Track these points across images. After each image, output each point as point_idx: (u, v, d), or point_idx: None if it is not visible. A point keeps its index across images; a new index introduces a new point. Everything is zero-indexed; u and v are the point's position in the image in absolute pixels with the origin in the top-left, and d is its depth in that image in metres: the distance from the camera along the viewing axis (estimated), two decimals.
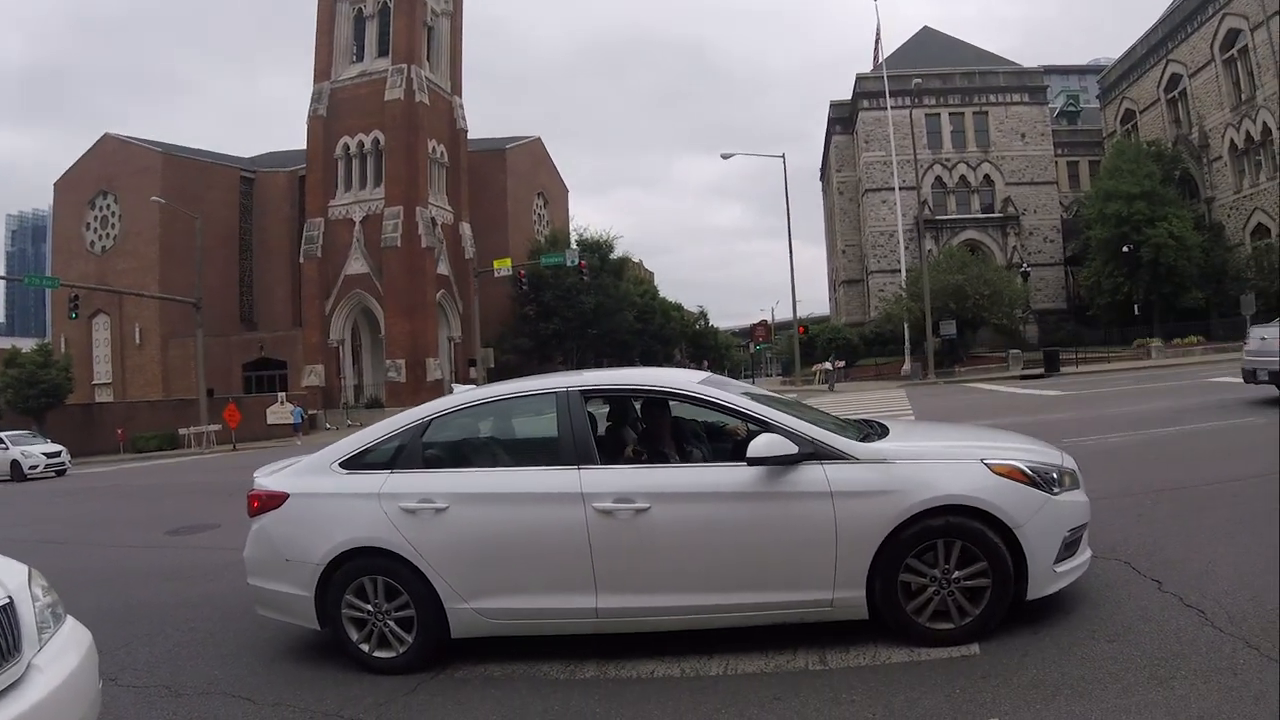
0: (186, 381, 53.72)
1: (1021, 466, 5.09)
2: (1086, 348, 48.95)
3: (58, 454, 33.58)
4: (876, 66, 60.36)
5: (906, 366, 50.03)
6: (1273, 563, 5.79)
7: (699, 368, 52.43)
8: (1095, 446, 12.48)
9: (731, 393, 5.63)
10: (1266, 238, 50.33)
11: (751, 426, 5.36)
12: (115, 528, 14.34)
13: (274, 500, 5.71)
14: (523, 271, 53.16)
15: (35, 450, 33.01)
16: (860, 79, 65.90)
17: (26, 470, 31.64)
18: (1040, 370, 40.12)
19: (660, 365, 54.34)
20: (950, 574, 4.92)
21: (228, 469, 26.01)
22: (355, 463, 5.71)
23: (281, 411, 45.22)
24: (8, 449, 32.44)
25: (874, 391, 37.87)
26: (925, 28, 74.03)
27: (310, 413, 49.84)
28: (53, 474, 32.24)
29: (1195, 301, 49.28)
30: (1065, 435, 13.23)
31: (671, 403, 5.88)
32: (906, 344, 51.49)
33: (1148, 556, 6.31)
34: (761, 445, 4.97)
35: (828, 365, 48.64)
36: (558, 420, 5.39)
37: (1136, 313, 51.55)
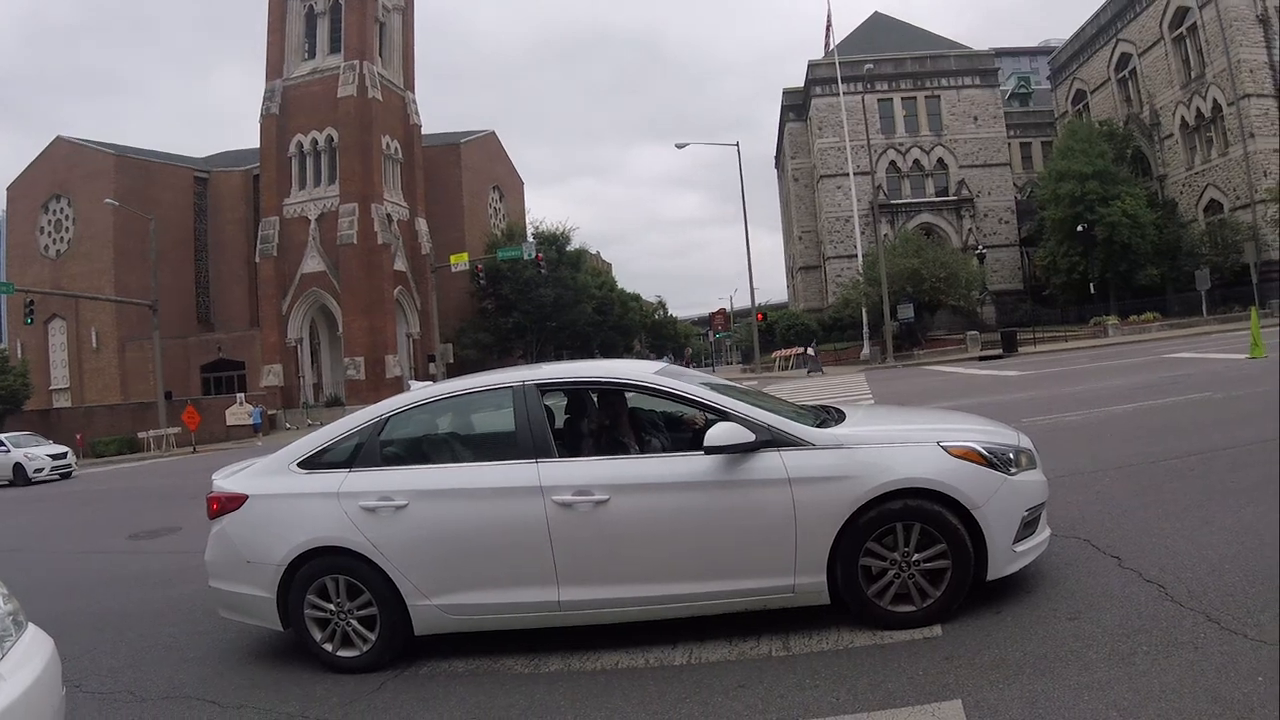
0: (145, 384, 53.09)
1: (978, 448, 5.13)
2: (1044, 327, 49.61)
3: (63, 455, 31.96)
4: (828, 52, 60.65)
5: (865, 351, 50.38)
6: (1231, 537, 5.90)
7: (659, 358, 52.43)
8: (1053, 425, 12.63)
9: (687, 382, 5.62)
10: (1219, 213, 51.21)
11: (709, 415, 5.37)
12: (75, 534, 14.24)
13: (233, 502, 5.66)
14: (480, 266, 52.90)
15: (40, 452, 31.35)
16: (812, 65, 66.09)
17: (31, 474, 30.10)
18: (998, 351, 40.55)
19: (620, 356, 54.38)
20: (910, 557, 4.95)
21: (188, 472, 25.73)
22: (313, 462, 5.67)
23: (240, 412, 44.85)
24: (9, 451, 30.84)
25: (834, 376, 38.10)
26: (876, 13, 74.24)
27: (270, 412, 49.49)
28: (57, 477, 30.63)
29: (1151, 279, 49.96)
30: (1023, 415, 13.38)
31: (628, 394, 5.87)
32: (865, 328, 51.91)
33: (1107, 533, 6.39)
34: (718, 434, 4.98)
35: (809, 350, 48.34)
36: (515, 414, 5.37)
37: (1093, 291, 52.28)
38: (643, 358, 48.66)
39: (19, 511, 19.53)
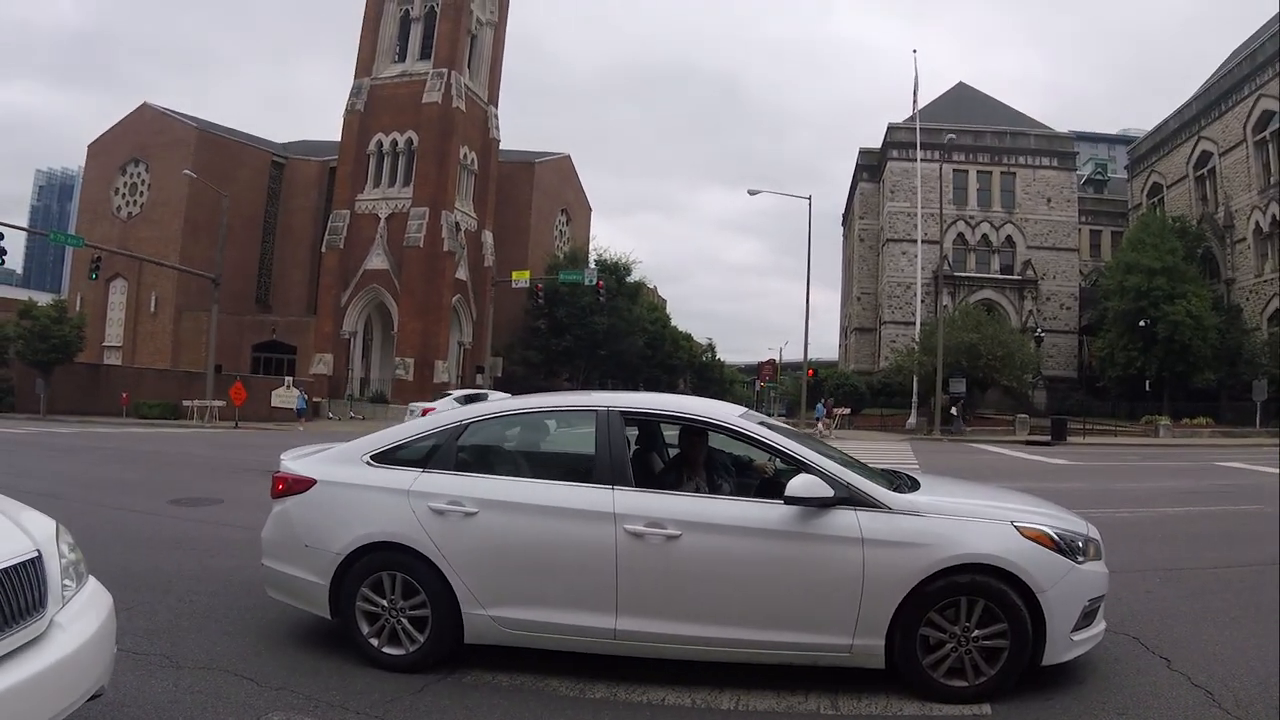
0: (195, 355, 53.90)
1: (1050, 532, 5.12)
2: (1094, 418, 48.78)
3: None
4: (911, 117, 60.61)
5: (912, 420, 49.87)
6: (1275, 653, 5.84)
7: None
8: (1103, 520, 12.40)
9: (772, 430, 5.64)
10: None
11: (786, 465, 5.39)
12: (114, 490, 14.16)
13: (300, 484, 5.69)
14: (540, 285, 53.25)
15: None
16: (892, 128, 66.15)
17: None
18: (1047, 438, 39.90)
19: (664, 393, 54.31)
20: (970, 631, 4.94)
21: (231, 446, 26.05)
22: (387, 457, 5.70)
23: (287, 395, 45.19)
24: None
25: (879, 442, 37.77)
26: (960, 83, 74.34)
27: (315, 400, 49.84)
28: None
29: (1207, 382, 49.06)
30: (1073, 506, 13.19)
31: (711, 434, 5.87)
32: (914, 397, 51.39)
33: (1156, 634, 6.33)
34: (799, 485, 4.99)
35: (826, 411, 47.07)
36: (596, 438, 5.40)
37: (1147, 388, 51.34)
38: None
39: (57, 459, 19.61)
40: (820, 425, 44.14)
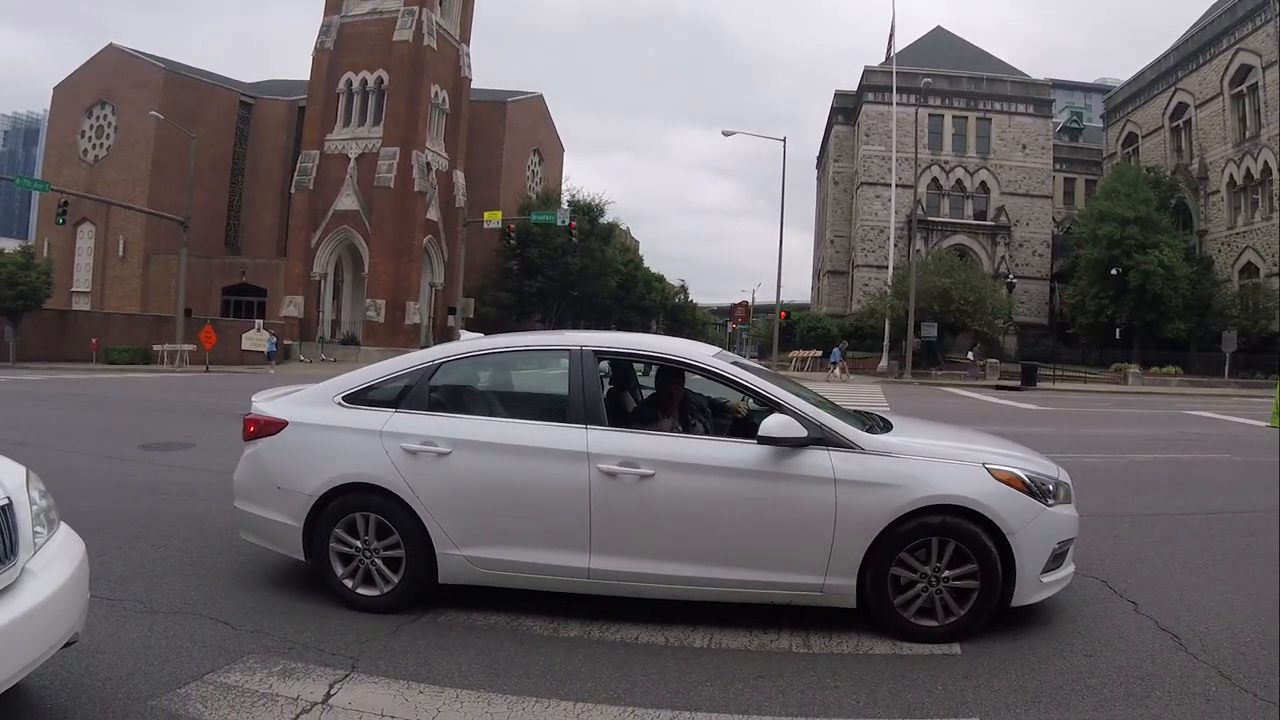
0: (164, 299, 53.19)
1: (1022, 475, 5.17)
2: (1064, 365, 49.36)
3: None
4: (887, 60, 60.22)
5: (883, 363, 50.22)
6: (1246, 598, 5.99)
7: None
8: (1072, 465, 12.54)
9: (746, 370, 5.63)
10: (1255, 277, 50.80)
11: (759, 405, 5.40)
12: (84, 436, 14.00)
13: (272, 426, 5.63)
14: (512, 226, 52.72)
15: None
16: (868, 71, 65.79)
17: None
18: (1017, 383, 40.33)
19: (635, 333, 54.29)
20: (941, 572, 5.00)
21: (201, 390, 25.86)
22: (359, 398, 5.64)
23: (257, 339, 44.91)
24: None
25: (850, 384, 38.00)
26: (938, 28, 73.92)
27: (285, 343, 49.56)
28: None
29: (1177, 332, 49.57)
30: (1043, 451, 13.33)
31: (683, 374, 5.83)
32: (886, 340, 51.77)
33: (1123, 578, 6.45)
34: (773, 425, 4.99)
35: (841, 355, 46.04)
36: (569, 378, 5.36)
37: (1117, 336, 51.95)
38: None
39: (25, 406, 19.28)
40: (837, 370, 44.38)
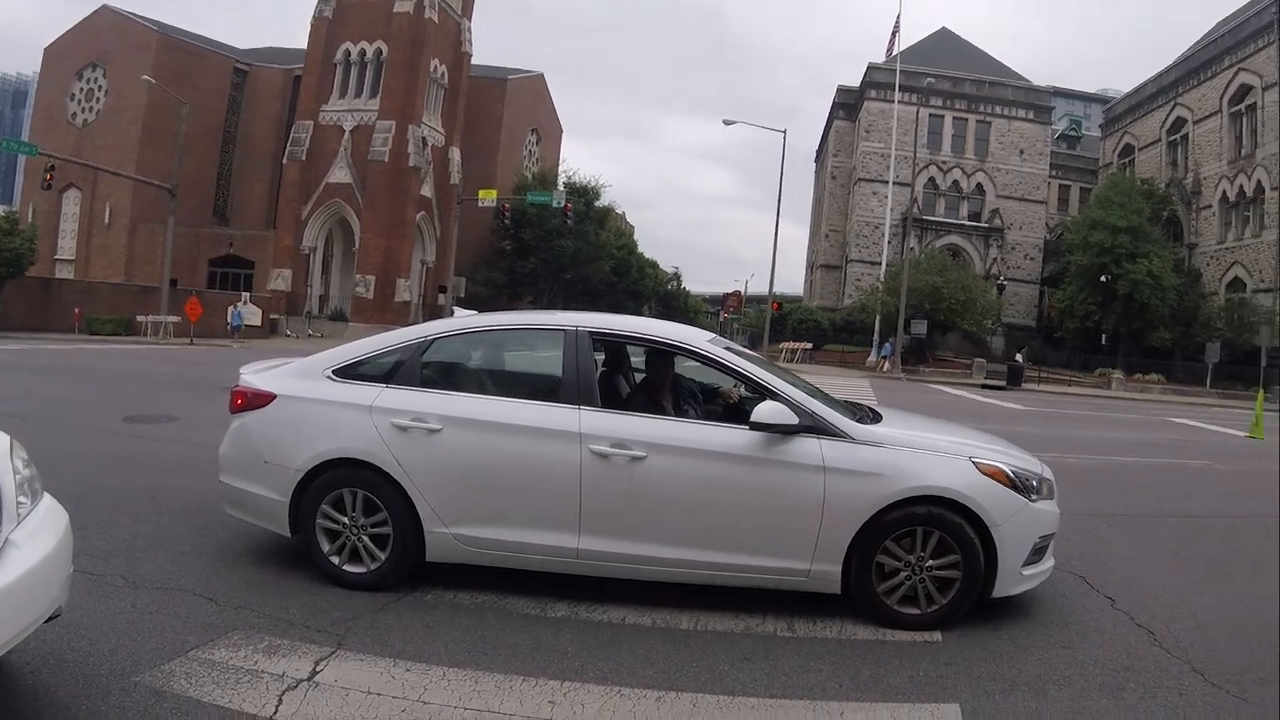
0: (150, 268, 52.42)
1: (1006, 469, 5.25)
2: (1049, 368, 49.67)
3: None
4: (890, 58, 60.16)
5: (872, 358, 50.37)
6: (1220, 599, 6.14)
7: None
8: (1055, 464, 12.64)
9: (739, 356, 5.66)
10: (1241, 292, 51.13)
11: (752, 391, 5.44)
12: (64, 407, 13.72)
13: (259, 399, 5.58)
14: (507, 205, 52.38)
15: None
16: (871, 68, 65.64)
17: None
18: (1002, 383, 40.58)
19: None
20: (924, 562, 5.07)
21: (186, 362, 25.68)
22: (349, 372, 5.58)
23: (246, 311, 44.65)
24: None
25: (838, 378, 38.01)
26: (944, 29, 73.77)
27: (272, 317, 49.23)
28: None
29: (1162, 341, 49.83)
30: (1026, 449, 13.46)
31: (678, 358, 5.85)
32: (876, 335, 51.99)
33: (1101, 574, 6.57)
34: (765, 412, 5.03)
35: (892, 350, 47.39)
36: (563, 358, 5.36)
37: (1103, 342, 52.27)
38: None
39: (6, 376, 18.78)
40: (886, 364, 44.95)
